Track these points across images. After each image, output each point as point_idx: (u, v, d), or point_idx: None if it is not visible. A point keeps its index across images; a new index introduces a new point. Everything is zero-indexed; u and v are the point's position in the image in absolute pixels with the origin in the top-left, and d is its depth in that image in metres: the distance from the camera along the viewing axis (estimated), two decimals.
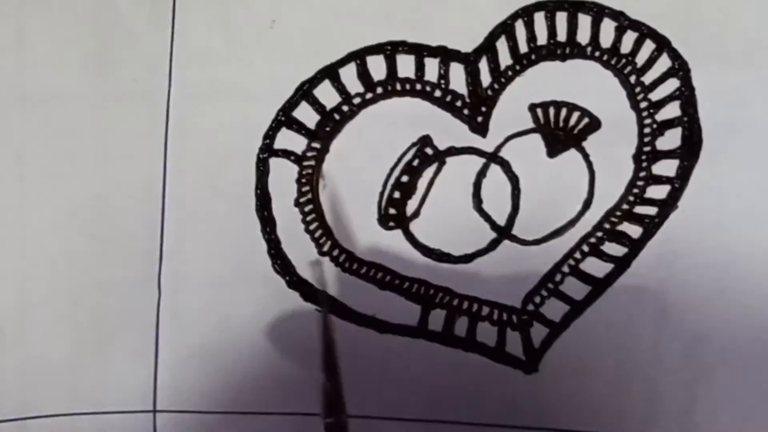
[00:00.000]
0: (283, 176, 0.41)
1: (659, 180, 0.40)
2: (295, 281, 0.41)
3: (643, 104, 0.40)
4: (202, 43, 0.40)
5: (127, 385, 0.41)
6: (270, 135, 0.40)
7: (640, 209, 0.41)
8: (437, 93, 0.41)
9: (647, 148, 0.40)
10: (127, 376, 0.41)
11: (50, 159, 0.39)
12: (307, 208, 0.41)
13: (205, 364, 0.41)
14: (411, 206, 0.41)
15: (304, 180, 0.41)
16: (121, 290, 0.41)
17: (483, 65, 0.40)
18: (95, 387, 0.41)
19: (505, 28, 0.40)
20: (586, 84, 0.40)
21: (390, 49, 0.40)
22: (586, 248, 0.41)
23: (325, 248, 0.41)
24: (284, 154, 0.41)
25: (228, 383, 0.41)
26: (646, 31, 0.40)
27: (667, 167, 0.40)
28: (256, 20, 0.40)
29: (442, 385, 0.41)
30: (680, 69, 0.40)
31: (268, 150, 0.40)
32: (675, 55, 0.40)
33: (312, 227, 0.41)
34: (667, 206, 0.40)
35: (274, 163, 0.41)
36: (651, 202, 0.41)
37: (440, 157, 0.41)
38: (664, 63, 0.40)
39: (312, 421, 0.42)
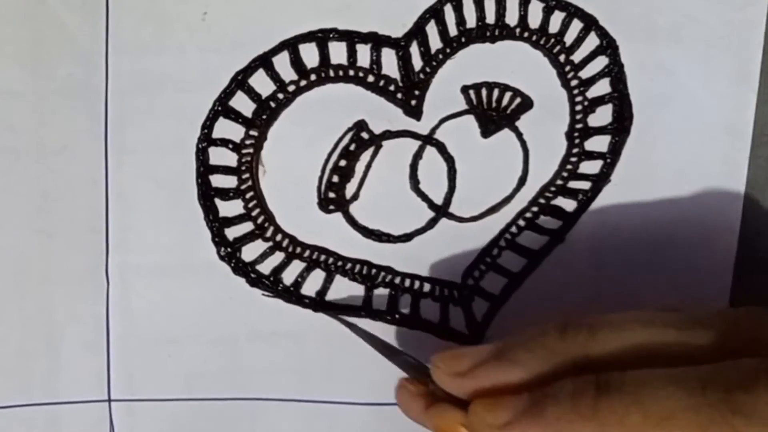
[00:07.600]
0: (223, 164, 0.42)
1: (592, 156, 0.41)
2: (240, 267, 0.42)
3: (574, 82, 0.41)
4: (135, 36, 0.40)
5: (81, 375, 0.42)
6: (208, 125, 0.41)
7: (573, 184, 0.42)
8: (370, 78, 0.41)
9: (579, 125, 0.41)
10: (79, 367, 0.42)
11: None
12: (248, 195, 0.42)
13: (157, 351, 0.42)
14: (350, 189, 0.42)
15: (243, 168, 0.41)
16: (69, 283, 0.41)
17: (414, 49, 0.41)
18: (48, 378, 0.42)
19: (434, 12, 0.40)
20: (517, 64, 0.41)
21: (321, 37, 0.40)
22: (522, 222, 0.42)
23: (268, 234, 0.42)
24: (222, 143, 0.41)
25: (180, 370, 0.43)
26: (573, 11, 0.40)
27: (599, 143, 0.41)
28: (188, 12, 0.40)
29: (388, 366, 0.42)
30: (608, 46, 0.40)
31: (206, 139, 0.41)
32: (602, 33, 0.40)
33: (254, 213, 0.42)
34: (600, 180, 0.41)
35: (214, 151, 0.41)
36: (584, 177, 0.42)
37: (376, 141, 0.41)
38: (592, 41, 0.40)
39: (262, 405, 0.43)
